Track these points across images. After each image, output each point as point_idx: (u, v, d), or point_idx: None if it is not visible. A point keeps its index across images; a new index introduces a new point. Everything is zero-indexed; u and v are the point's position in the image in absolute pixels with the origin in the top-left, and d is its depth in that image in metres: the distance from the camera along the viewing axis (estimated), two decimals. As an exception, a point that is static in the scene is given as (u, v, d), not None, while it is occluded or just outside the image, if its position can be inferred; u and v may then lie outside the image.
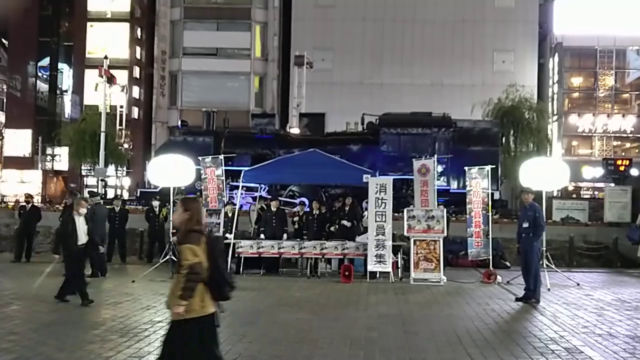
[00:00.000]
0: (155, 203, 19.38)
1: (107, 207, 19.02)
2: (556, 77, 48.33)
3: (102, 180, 32.46)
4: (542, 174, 15.24)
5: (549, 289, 13.72)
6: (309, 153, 17.62)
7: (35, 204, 20.95)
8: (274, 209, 17.40)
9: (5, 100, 56.99)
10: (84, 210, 12.04)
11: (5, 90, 56.89)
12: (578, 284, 15.16)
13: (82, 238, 11.86)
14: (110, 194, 39.46)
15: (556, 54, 47.91)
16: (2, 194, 47.47)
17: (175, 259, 15.09)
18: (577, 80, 49.89)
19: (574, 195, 40.10)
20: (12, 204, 26.49)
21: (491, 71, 45.74)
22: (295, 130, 29.39)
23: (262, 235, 16.91)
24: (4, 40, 59.88)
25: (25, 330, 9.09)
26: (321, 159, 17.03)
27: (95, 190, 22.80)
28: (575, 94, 50.04)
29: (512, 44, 46.29)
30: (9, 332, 8.86)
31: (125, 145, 46.98)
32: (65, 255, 11.88)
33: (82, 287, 11.56)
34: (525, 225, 12.71)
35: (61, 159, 51.46)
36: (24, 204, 19.95)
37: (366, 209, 16.86)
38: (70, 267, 11.72)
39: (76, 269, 11.69)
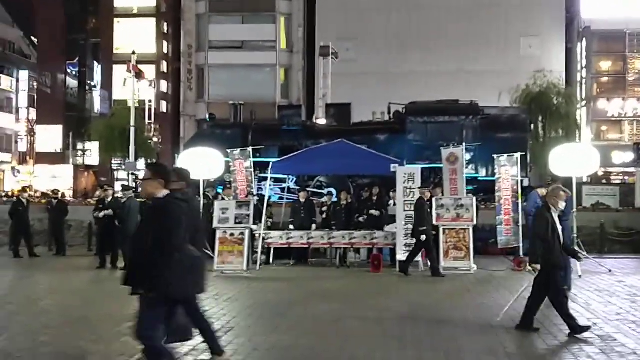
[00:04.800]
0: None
1: (139, 200, 19.15)
2: (584, 61, 47.76)
3: (132, 174, 32.77)
4: (571, 159, 15.12)
5: (580, 276, 13.61)
6: (336, 144, 17.62)
7: (61, 199, 21.23)
8: (302, 199, 17.50)
9: (36, 97, 57.77)
10: (563, 204, 8.84)
11: (35, 87, 57.66)
12: (610, 271, 15.02)
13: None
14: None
15: (584, 38, 47.33)
16: (35, 189, 48.12)
17: (207, 251, 15.24)
18: (605, 65, 49.28)
19: (604, 181, 39.66)
20: (43, 199, 26.81)
21: (518, 57, 44.99)
22: (321, 121, 29.38)
23: (291, 226, 17.03)
24: (33, 38, 60.64)
25: (60, 324, 9.25)
26: (348, 149, 17.04)
27: (127, 184, 23.00)
28: (604, 79, 49.45)
29: (538, 29, 45.58)
30: (45, 326, 9.03)
31: (155, 139, 47.39)
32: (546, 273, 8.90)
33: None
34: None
35: (92, 153, 52.06)
36: (52, 199, 20.23)
37: (392, 198, 16.88)
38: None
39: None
